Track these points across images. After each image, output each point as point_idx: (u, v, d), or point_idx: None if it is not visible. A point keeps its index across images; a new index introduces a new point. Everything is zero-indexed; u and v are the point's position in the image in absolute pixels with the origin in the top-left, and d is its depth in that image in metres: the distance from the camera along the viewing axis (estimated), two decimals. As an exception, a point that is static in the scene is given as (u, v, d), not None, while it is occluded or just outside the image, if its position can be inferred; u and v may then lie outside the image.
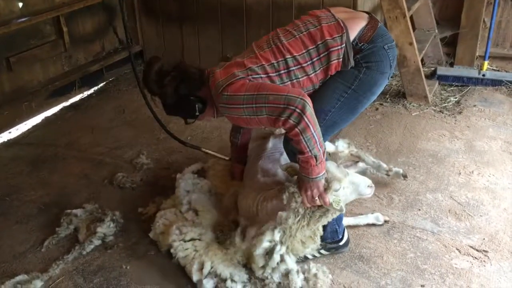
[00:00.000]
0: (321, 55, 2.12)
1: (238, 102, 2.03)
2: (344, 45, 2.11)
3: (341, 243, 2.37)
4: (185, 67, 2.21)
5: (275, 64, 2.10)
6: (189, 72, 2.20)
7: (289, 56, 2.10)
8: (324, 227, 2.27)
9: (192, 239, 2.31)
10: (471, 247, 2.40)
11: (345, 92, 2.17)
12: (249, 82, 2.06)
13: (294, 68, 2.11)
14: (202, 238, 2.32)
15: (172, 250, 2.30)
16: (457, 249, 2.39)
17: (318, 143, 1.98)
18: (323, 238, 2.30)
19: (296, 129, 1.95)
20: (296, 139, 1.98)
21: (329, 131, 2.23)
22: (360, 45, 2.16)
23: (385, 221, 2.57)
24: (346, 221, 2.49)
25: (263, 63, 2.10)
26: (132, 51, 4.47)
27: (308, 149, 1.97)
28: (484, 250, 2.38)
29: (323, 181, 2.07)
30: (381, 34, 2.21)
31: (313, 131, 1.96)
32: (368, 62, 2.17)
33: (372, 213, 2.60)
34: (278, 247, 2.15)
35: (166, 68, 2.17)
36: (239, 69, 2.10)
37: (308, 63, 2.12)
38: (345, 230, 2.39)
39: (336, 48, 2.10)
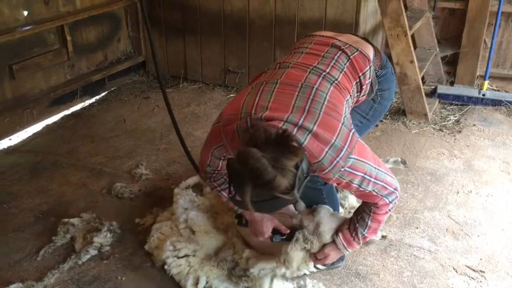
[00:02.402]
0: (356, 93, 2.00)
1: (362, 170, 1.80)
2: (371, 79, 2.04)
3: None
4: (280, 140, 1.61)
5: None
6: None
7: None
8: None
9: (186, 256, 2.30)
10: (468, 267, 2.40)
11: (360, 122, 2.18)
12: (358, 140, 1.82)
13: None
14: (197, 255, 2.31)
15: (166, 267, 2.29)
16: (454, 268, 2.39)
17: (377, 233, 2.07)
18: None
19: (388, 212, 1.98)
20: (380, 219, 1.99)
21: None
22: (376, 72, 2.10)
23: (383, 236, 2.56)
24: None
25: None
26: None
27: (366, 224, 2.01)
28: (481, 271, 2.37)
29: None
30: (385, 58, 2.20)
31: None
32: (381, 90, 2.16)
33: None
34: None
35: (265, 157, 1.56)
36: (338, 116, 1.76)
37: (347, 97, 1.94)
38: None
39: (365, 84, 2.01)
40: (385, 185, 1.87)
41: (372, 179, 1.83)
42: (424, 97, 3.70)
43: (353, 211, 2.71)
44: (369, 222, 2.00)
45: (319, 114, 1.72)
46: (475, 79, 4.24)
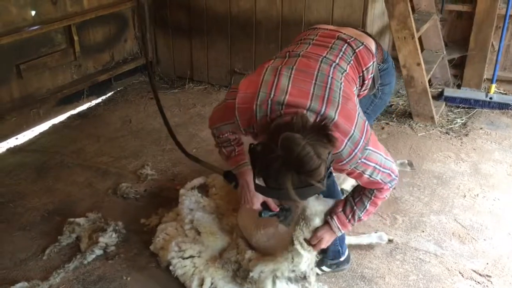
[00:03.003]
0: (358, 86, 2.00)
1: (375, 161, 1.81)
2: (372, 74, 2.04)
3: (341, 259, 2.35)
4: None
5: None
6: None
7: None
8: (325, 248, 2.24)
9: (191, 256, 2.29)
10: (474, 271, 2.38)
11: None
12: (371, 132, 1.83)
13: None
14: (202, 256, 2.31)
15: (171, 267, 2.29)
16: (460, 272, 2.37)
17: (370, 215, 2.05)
18: (325, 256, 2.30)
19: (386, 197, 1.99)
20: (378, 202, 1.99)
21: None
22: (378, 66, 2.09)
23: (389, 240, 2.55)
24: (348, 240, 2.48)
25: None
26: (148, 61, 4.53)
27: (364, 207, 2.00)
28: (487, 275, 2.36)
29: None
30: (386, 52, 2.21)
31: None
32: (383, 85, 2.16)
33: (375, 232, 2.58)
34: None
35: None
36: (354, 106, 1.77)
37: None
38: (346, 249, 2.39)
39: (368, 79, 2.01)
40: (390, 173, 1.89)
41: (382, 169, 1.84)
42: (431, 100, 3.69)
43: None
44: (368, 205, 1.99)
45: (338, 104, 1.72)
46: (482, 82, 4.22)
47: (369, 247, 2.53)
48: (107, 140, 3.57)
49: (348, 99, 1.77)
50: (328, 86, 1.76)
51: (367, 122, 1.81)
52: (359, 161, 1.76)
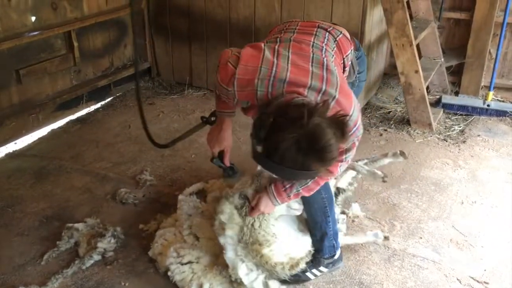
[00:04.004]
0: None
1: (355, 144, 1.92)
2: (351, 61, 2.13)
3: (336, 257, 2.38)
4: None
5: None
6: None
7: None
8: (321, 245, 2.31)
9: (189, 262, 2.30)
10: (472, 278, 2.39)
11: None
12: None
13: None
14: (200, 261, 2.31)
15: (169, 273, 2.29)
16: (457, 279, 2.38)
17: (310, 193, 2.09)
18: (321, 255, 2.33)
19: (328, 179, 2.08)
20: (321, 182, 2.04)
21: None
22: (355, 54, 2.18)
23: (385, 237, 2.54)
24: (344, 240, 2.48)
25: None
26: (140, 68, 4.55)
27: (305, 183, 2.03)
28: (485, 282, 2.36)
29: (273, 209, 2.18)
30: (358, 42, 2.27)
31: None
32: (359, 72, 2.23)
33: (371, 231, 2.59)
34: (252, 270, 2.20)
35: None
36: (348, 87, 1.87)
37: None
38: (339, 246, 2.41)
39: (348, 65, 2.11)
40: (350, 160, 1.96)
41: (354, 150, 1.92)
42: (429, 107, 3.70)
43: (357, 220, 2.73)
44: (309, 183, 2.01)
45: (337, 83, 1.80)
46: (479, 90, 4.24)
47: (367, 253, 2.53)
48: (106, 146, 3.57)
49: (344, 80, 1.88)
50: (325, 67, 1.84)
51: (359, 104, 1.91)
52: (354, 139, 1.86)
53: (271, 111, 1.71)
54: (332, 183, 2.51)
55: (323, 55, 1.90)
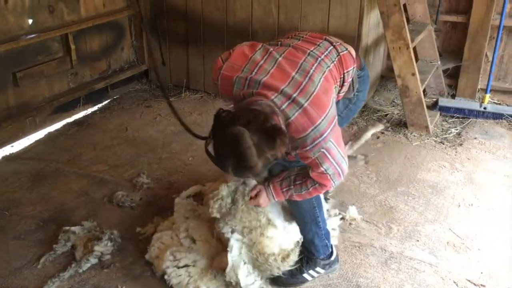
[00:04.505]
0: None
1: (334, 155, 1.94)
2: (352, 78, 2.15)
3: (332, 258, 2.39)
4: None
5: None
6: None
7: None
8: (313, 246, 2.32)
9: (186, 266, 2.29)
10: (469, 280, 2.39)
11: None
12: (338, 127, 1.98)
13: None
14: (197, 265, 2.30)
15: (166, 276, 2.29)
16: (454, 282, 2.38)
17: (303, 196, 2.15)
18: (316, 255, 2.34)
19: (321, 192, 2.17)
20: (314, 194, 2.13)
21: None
22: (357, 72, 2.21)
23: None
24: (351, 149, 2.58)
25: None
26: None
27: (299, 191, 2.12)
28: (481, 285, 2.37)
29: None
30: (363, 61, 2.31)
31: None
32: (358, 91, 2.25)
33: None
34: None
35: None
36: (327, 101, 1.90)
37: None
38: (333, 246, 2.43)
39: (347, 82, 2.13)
40: (340, 173, 2.00)
41: (336, 166, 1.96)
42: (426, 110, 3.71)
43: (354, 223, 2.74)
44: (303, 192, 2.11)
45: (312, 93, 1.86)
46: (476, 92, 4.25)
47: (364, 256, 2.53)
48: (103, 148, 3.57)
49: (324, 92, 1.90)
50: (309, 76, 1.90)
51: (337, 118, 1.94)
52: (322, 150, 1.88)
53: (228, 108, 1.84)
54: None
55: (314, 66, 1.95)
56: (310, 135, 1.84)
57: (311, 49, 2.02)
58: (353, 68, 2.13)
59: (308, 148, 1.87)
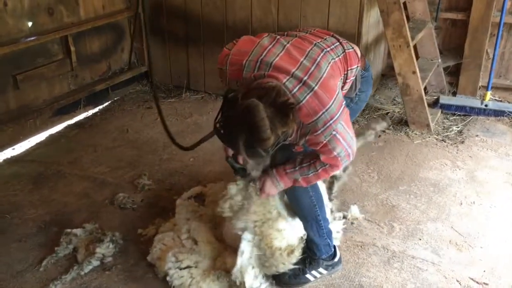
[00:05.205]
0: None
1: (344, 138, 1.95)
2: (355, 77, 2.15)
3: (335, 259, 2.39)
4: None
5: None
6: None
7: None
8: (315, 245, 2.31)
9: (188, 267, 2.29)
10: (472, 279, 2.39)
11: None
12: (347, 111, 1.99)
13: None
14: (199, 266, 2.30)
15: (168, 278, 2.29)
16: (457, 280, 2.38)
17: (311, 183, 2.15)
18: (318, 255, 2.33)
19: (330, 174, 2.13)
20: (322, 177, 2.11)
21: None
22: (360, 72, 2.20)
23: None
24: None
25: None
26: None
27: (305, 174, 2.09)
28: (484, 283, 2.36)
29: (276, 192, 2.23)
30: (368, 63, 2.30)
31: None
32: (360, 91, 2.25)
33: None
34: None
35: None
36: (335, 86, 1.93)
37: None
38: (336, 247, 2.42)
39: (350, 79, 2.13)
40: (350, 154, 2.01)
41: (348, 148, 1.97)
42: (427, 108, 3.70)
43: (355, 222, 2.73)
44: (311, 174, 2.09)
45: (320, 78, 1.88)
46: (477, 90, 4.24)
47: (367, 255, 2.53)
48: (104, 150, 3.57)
49: (331, 77, 1.92)
50: (316, 63, 1.92)
51: (344, 102, 1.96)
52: (333, 133, 1.89)
53: (239, 89, 1.84)
54: (323, 187, 2.52)
55: (320, 54, 1.96)
56: (321, 118, 1.85)
57: (318, 41, 2.04)
58: (357, 67, 2.13)
59: (319, 132, 1.87)
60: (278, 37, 2.02)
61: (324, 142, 1.91)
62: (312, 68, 1.90)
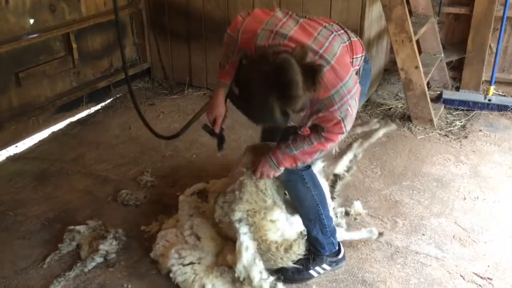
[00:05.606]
0: None
1: (353, 110, 1.96)
2: (359, 66, 2.15)
3: (340, 256, 2.39)
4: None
5: None
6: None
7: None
8: (318, 243, 2.31)
9: (191, 263, 2.29)
10: (476, 274, 2.38)
11: None
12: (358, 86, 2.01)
13: None
14: (202, 262, 2.30)
15: (171, 275, 2.29)
16: (461, 275, 2.37)
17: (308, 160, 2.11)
18: (322, 252, 2.33)
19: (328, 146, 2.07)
20: (318, 148, 2.05)
21: None
22: (362, 64, 2.20)
23: (380, 234, 2.54)
24: (340, 235, 2.48)
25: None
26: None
27: (300, 147, 2.06)
28: (488, 278, 2.35)
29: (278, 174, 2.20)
30: (367, 56, 2.29)
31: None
32: (361, 84, 2.21)
33: (365, 228, 2.58)
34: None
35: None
36: (349, 63, 1.97)
37: None
38: (340, 244, 2.42)
39: (355, 68, 2.12)
40: (352, 117, 1.98)
41: (352, 119, 1.97)
42: (430, 103, 3.69)
43: (359, 218, 2.73)
44: (306, 147, 2.05)
45: (336, 53, 1.88)
46: (480, 84, 4.23)
47: (370, 250, 2.53)
48: (106, 147, 3.57)
49: (345, 56, 1.93)
50: (329, 41, 1.92)
51: (357, 78, 1.97)
52: (348, 108, 1.88)
53: (253, 55, 1.82)
54: (325, 185, 2.51)
55: (331, 35, 1.95)
56: (339, 92, 1.83)
57: (326, 24, 2.04)
58: (362, 56, 2.12)
59: (335, 107, 1.86)
60: (291, 13, 2.02)
61: (339, 118, 1.89)
62: (327, 44, 1.88)
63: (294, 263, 2.29)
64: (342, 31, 2.10)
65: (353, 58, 2.08)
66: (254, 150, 2.35)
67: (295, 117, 1.82)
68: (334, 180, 2.74)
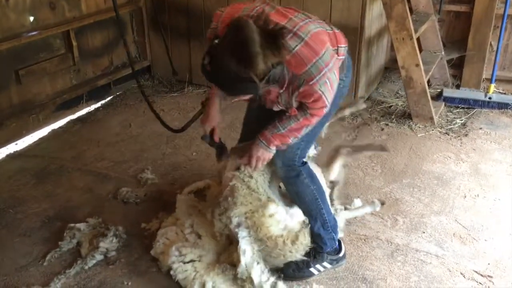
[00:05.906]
0: None
1: (333, 85, 1.97)
2: (345, 57, 2.13)
3: (340, 254, 2.39)
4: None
5: None
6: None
7: None
8: (320, 238, 2.31)
9: (191, 261, 2.29)
10: (476, 272, 2.38)
11: None
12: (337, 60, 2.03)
13: None
14: (202, 260, 2.30)
15: (172, 272, 2.29)
16: (461, 273, 2.37)
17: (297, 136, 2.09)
18: (323, 249, 2.33)
19: (313, 122, 2.07)
20: (303, 124, 2.05)
21: (310, 144, 2.30)
22: (347, 56, 2.19)
23: (382, 204, 2.59)
24: (343, 215, 2.50)
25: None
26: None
27: (287, 125, 2.06)
28: (488, 276, 2.35)
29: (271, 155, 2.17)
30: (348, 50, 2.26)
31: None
32: (346, 76, 2.21)
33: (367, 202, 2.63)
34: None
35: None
36: (324, 41, 1.94)
37: None
38: (341, 242, 2.42)
39: (341, 58, 2.10)
40: (333, 90, 1.99)
41: (333, 88, 1.97)
42: (430, 101, 3.69)
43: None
44: (293, 124, 2.05)
45: (310, 31, 1.89)
46: (481, 82, 4.22)
47: (370, 248, 2.53)
48: (106, 145, 3.57)
49: (321, 34, 1.92)
50: (305, 22, 1.92)
51: (336, 56, 1.98)
52: (326, 81, 1.90)
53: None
54: (323, 181, 2.51)
55: (306, 19, 1.95)
56: (316, 65, 1.85)
57: (306, 13, 2.04)
58: (346, 46, 2.12)
59: (314, 80, 1.88)
60: (268, 1, 2.03)
61: (319, 92, 1.91)
62: (301, 23, 1.90)
63: (303, 256, 2.29)
64: (324, 21, 2.11)
65: (338, 47, 2.08)
66: (237, 151, 2.35)
67: (266, 89, 1.83)
68: (332, 187, 2.73)
